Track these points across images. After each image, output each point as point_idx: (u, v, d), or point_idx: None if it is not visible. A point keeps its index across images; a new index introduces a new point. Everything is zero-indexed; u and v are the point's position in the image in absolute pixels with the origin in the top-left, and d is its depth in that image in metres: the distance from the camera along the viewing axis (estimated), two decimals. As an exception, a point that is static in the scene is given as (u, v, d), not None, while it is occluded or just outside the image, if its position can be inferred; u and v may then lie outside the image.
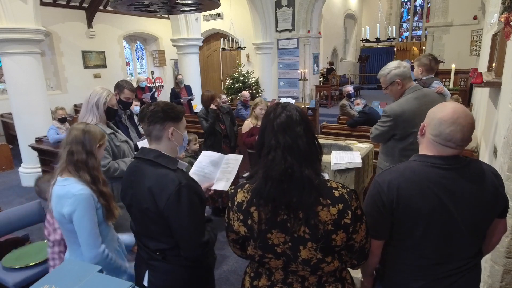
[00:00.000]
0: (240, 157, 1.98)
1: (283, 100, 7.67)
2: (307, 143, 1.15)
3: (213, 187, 1.82)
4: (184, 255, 1.48)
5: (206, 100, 4.25)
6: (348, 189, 1.17)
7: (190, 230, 1.44)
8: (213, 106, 4.26)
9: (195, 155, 3.55)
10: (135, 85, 7.08)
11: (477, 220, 1.28)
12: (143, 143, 2.80)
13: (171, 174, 1.44)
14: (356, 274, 1.77)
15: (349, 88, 6.00)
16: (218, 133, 4.29)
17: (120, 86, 3.02)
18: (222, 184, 1.83)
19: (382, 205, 1.29)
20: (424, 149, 1.34)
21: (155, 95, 7.34)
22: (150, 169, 1.47)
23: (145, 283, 1.56)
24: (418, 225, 1.26)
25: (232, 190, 1.27)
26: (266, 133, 1.18)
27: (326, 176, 2.44)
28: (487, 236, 1.37)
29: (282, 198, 1.12)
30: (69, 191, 1.64)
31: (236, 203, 1.23)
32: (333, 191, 1.14)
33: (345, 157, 2.66)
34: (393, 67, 2.50)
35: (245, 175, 1.38)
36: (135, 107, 4.94)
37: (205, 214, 1.60)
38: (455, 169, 1.26)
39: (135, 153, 2.66)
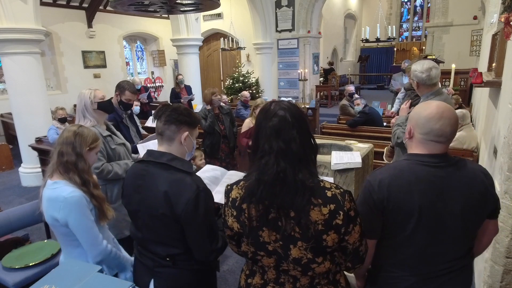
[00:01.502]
0: (243, 175, 1.97)
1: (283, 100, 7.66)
2: (301, 145, 1.14)
3: None
4: (198, 259, 1.47)
5: (207, 98, 4.30)
6: (342, 190, 1.15)
7: (205, 235, 1.43)
8: (208, 107, 4.32)
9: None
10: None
11: (467, 220, 1.27)
12: (143, 146, 2.80)
13: (187, 178, 1.41)
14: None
15: (351, 88, 6.16)
16: (217, 132, 4.32)
17: (121, 87, 2.99)
18: (220, 197, 1.82)
19: (373, 203, 1.29)
20: (414, 149, 1.34)
21: (152, 95, 7.35)
22: (164, 173, 1.43)
23: None
24: (408, 223, 1.26)
25: (229, 187, 1.28)
26: (259, 137, 1.18)
27: (331, 180, 2.43)
28: (477, 237, 1.37)
29: (274, 200, 1.12)
30: (59, 195, 1.63)
31: (230, 199, 1.24)
32: (326, 191, 1.13)
33: (345, 157, 2.67)
34: (420, 69, 2.34)
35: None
36: (135, 107, 4.95)
37: None
38: (444, 167, 1.27)
39: (139, 156, 2.65)
